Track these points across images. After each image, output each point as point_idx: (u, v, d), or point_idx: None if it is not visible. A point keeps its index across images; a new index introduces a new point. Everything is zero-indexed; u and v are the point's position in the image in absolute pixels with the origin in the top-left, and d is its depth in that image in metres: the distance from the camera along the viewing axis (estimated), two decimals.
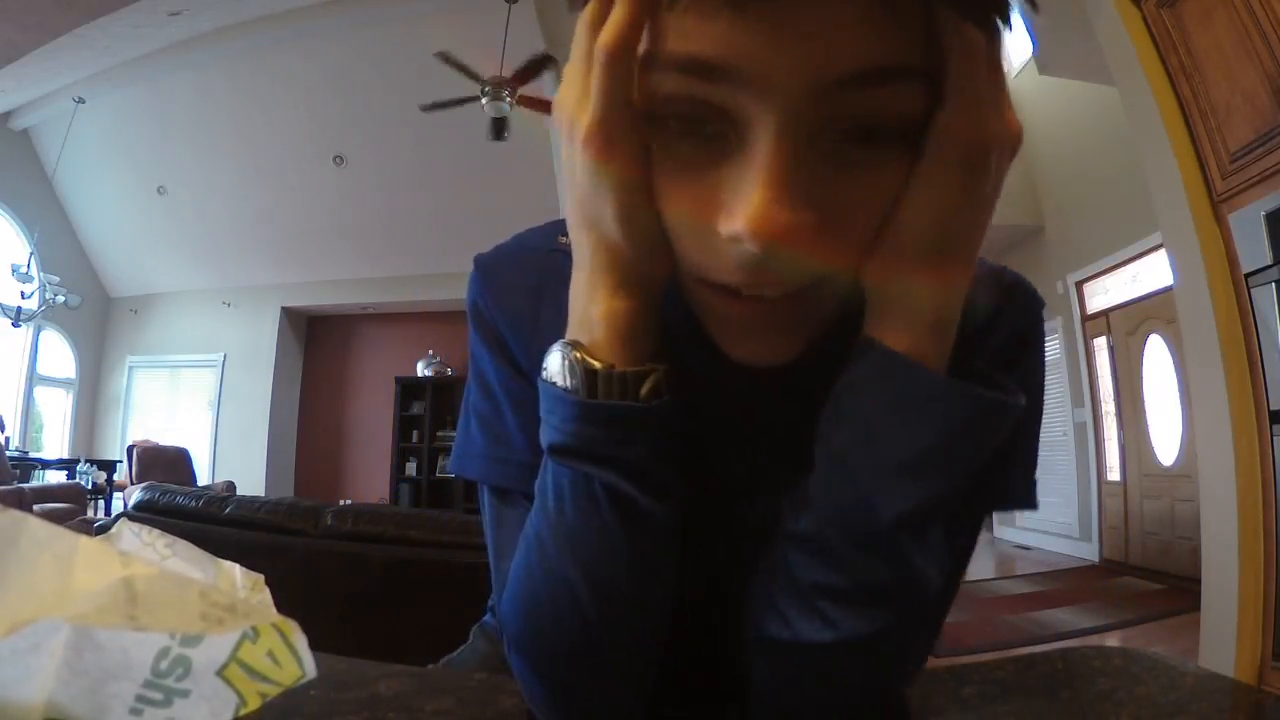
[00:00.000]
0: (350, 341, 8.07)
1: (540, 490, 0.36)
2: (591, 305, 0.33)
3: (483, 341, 0.43)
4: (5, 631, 0.19)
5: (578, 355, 0.33)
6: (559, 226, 0.42)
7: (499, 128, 4.61)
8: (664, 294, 0.34)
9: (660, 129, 0.29)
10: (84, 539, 0.22)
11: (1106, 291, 4.69)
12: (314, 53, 5.59)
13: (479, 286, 0.44)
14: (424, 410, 7.27)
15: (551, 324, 0.38)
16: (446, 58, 4.12)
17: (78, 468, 6.17)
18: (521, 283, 0.43)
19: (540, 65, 4.10)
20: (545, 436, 0.35)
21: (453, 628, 0.71)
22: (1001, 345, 0.43)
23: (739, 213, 0.27)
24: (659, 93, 0.28)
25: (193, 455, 6.55)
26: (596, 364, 0.33)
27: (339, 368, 8.05)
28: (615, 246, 0.32)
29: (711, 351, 0.36)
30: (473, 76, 4.27)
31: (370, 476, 7.59)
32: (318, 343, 8.17)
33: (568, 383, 0.33)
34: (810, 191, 0.27)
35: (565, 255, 0.37)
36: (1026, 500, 0.44)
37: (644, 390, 0.33)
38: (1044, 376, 0.45)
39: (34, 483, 5.79)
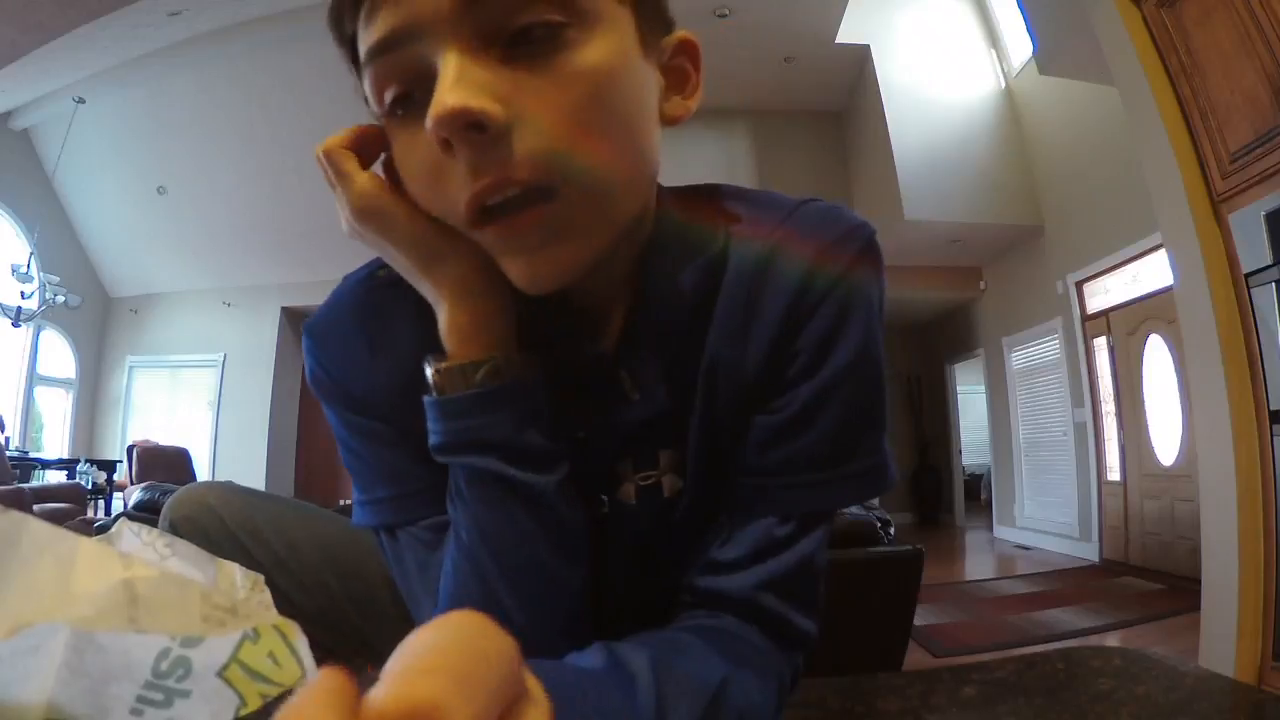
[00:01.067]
0: None
1: (450, 492, 0.41)
2: (441, 323, 0.38)
3: (328, 403, 0.47)
4: (6, 633, 0.19)
5: (431, 364, 0.39)
6: (377, 262, 0.46)
7: None
8: (505, 301, 0.39)
9: (399, 132, 0.36)
10: (84, 540, 0.22)
11: (1106, 291, 4.68)
12: (314, 53, 5.58)
13: (310, 353, 0.48)
14: None
15: (385, 350, 0.44)
16: None
17: (78, 468, 6.16)
18: (349, 329, 0.47)
19: None
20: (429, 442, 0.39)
21: None
22: (771, 335, 0.42)
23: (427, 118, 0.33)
24: (382, 97, 0.36)
25: (193, 455, 6.54)
26: (440, 365, 0.38)
27: None
28: (432, 271, 0.38)
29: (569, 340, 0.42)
30: None
31: None
32: None
33: (431, 391, 0.39)
34: (483, 88, 0.32)
35: (382, 284, 0.44)
36: (868, 485, 0.43)
37: (479, 376, 0.37)
38: (855, 354, 0.42)
39: (34, 483, 5.78)
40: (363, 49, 0.35)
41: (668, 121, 0.41)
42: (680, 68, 0.42)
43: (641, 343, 0.43)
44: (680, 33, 0.42)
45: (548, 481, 0.39)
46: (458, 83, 0.32)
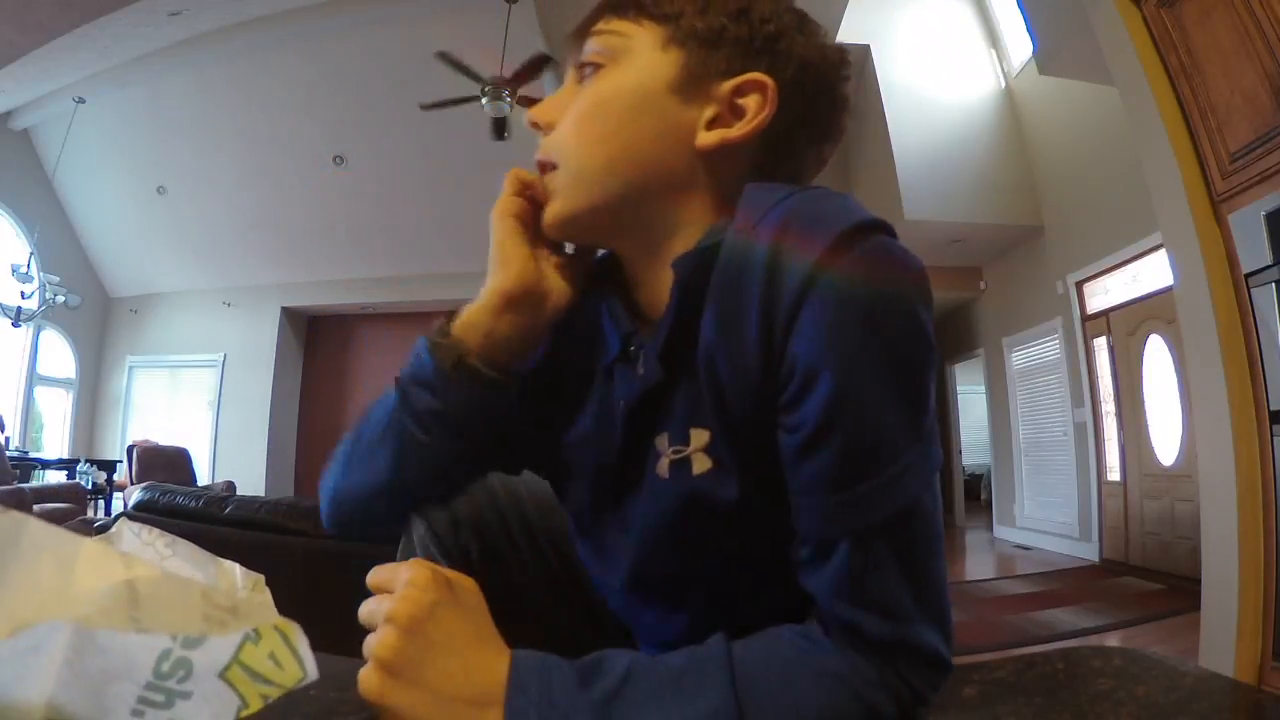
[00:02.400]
0: (350, 341, 8.06)
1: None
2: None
3: None
4: (7, 633, 0.19)
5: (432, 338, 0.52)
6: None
7: (500, 127, 4.61)
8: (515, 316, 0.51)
9: None
10: (86, 541, 0.22)
11: (1106, 291, 4.69)
12: (314, 53, 5.59)
13: None
14: None
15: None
16: (447, 58, 4.13)
17: (78, 468, 6.16)
18: None
19: (540, 65, 4.10)
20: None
21: None
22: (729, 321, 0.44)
23: None
24: None
25: (193, 455, 6.54)
26: (441, 333, 0.52)
27: (339, 368, 8.04)
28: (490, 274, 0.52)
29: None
30: (473, 77, 4.27)
31: None
32: (318, 343, 8.16)
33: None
34: (551, 105, 0.52)
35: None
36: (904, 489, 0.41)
37: (439, 360, 0.51)
38: (840, 374, 0.39)
39: (34, 483, 5.78)
40: None
41: (702, 144, 0.49)
42: (738, 105, 0.50)
43: (655, 327, 0.50)
44: (748, 75, 0.49)
45: (430, 441, 0.53)
46: (544, 101, 0.53)
